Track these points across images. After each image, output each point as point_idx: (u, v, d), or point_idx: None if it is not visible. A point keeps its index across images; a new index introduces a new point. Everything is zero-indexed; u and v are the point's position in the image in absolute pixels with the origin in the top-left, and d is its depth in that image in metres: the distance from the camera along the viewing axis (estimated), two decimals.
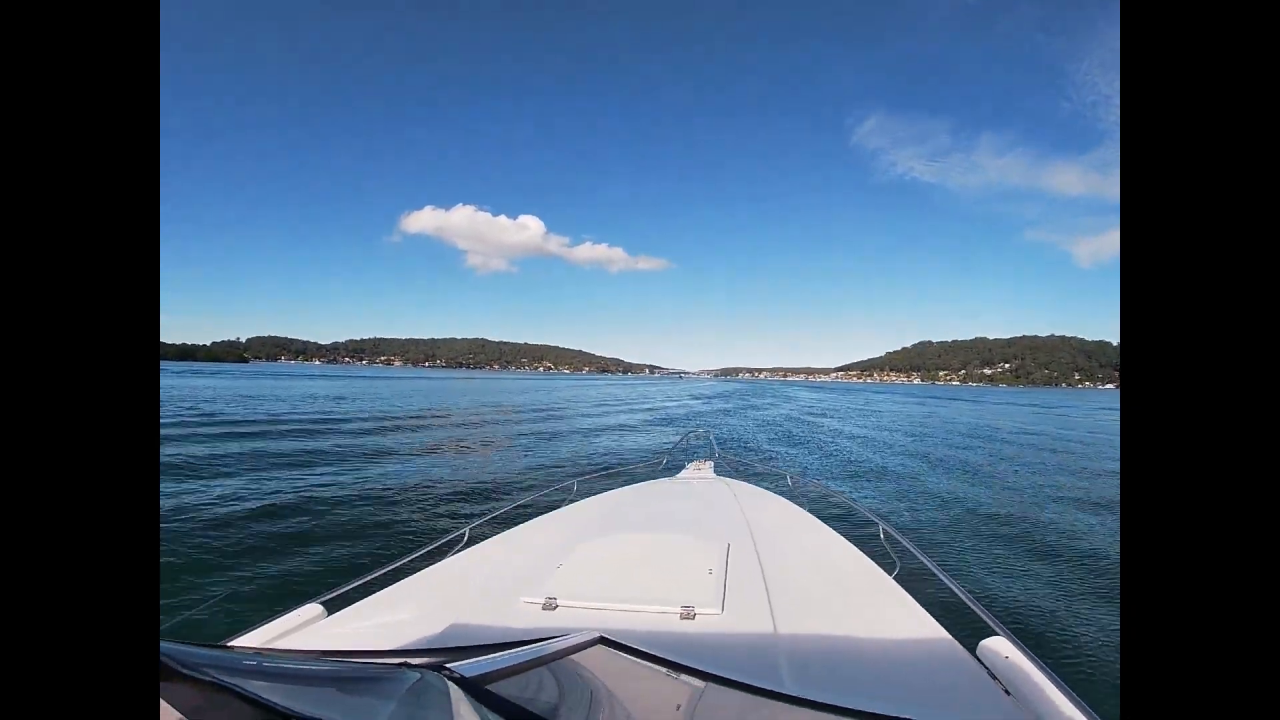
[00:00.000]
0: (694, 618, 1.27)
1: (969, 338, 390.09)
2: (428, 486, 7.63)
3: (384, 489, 7.27)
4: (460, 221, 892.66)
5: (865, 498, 7.46)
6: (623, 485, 3.14)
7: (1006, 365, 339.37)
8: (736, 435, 14.85)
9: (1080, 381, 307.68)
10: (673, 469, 4.05)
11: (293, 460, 9.19)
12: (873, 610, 1.40)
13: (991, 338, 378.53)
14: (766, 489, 2.99)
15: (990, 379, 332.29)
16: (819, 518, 2.32)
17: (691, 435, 5.44)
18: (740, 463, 5.32)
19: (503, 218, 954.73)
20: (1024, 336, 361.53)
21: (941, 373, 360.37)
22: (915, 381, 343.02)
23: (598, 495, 2.82)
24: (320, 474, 8.14)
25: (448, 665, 0.73)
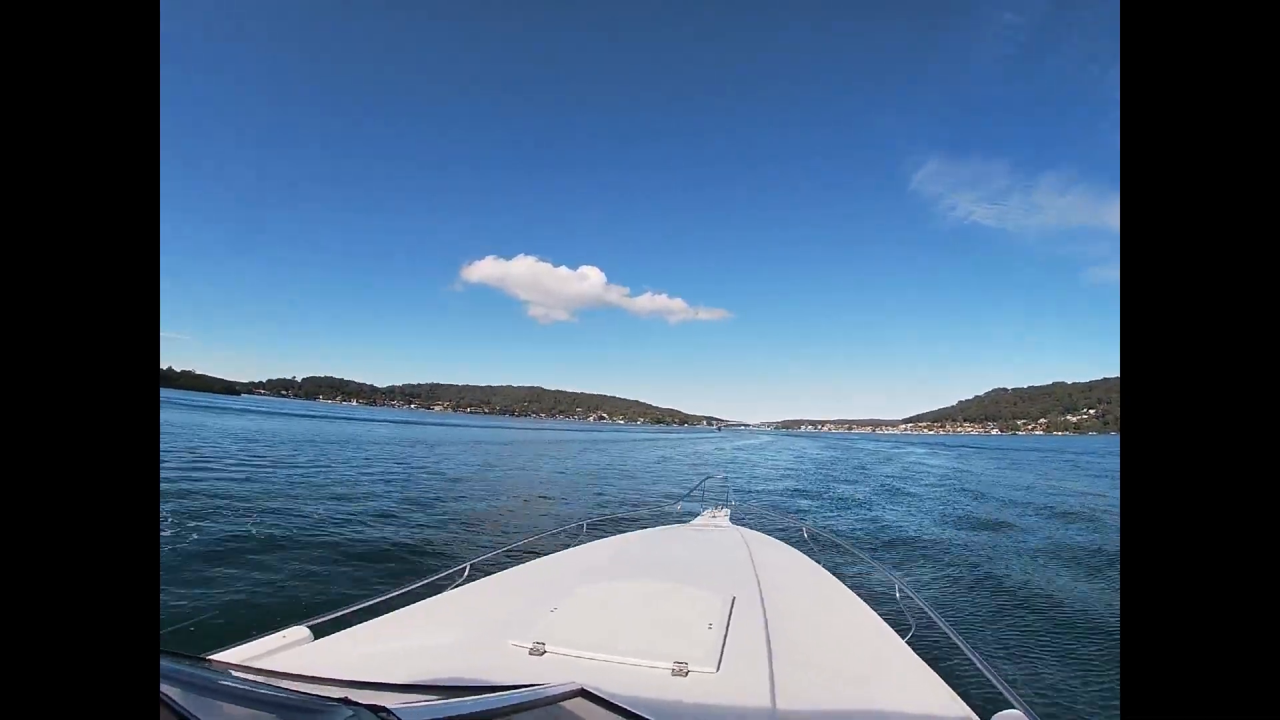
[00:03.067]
0: (687, 675, 1.21)
1: (1046, 383, 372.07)
2: (434, 517, 7.62)
3: (388, 519, 7.27)
4: (521, 272, 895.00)
5: (886, 555, 6.92)
6: (634, 529, 3.12)
7: (1091, 411, 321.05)
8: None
9: None
10: (687, 515, 4.00)
11: (296, 482, 9.47)
12: (882, 676, 1.35)
13: (1070, 382, 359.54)
14: (782, 540, 2.92)
15: (1076, 427, 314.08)
16: (834, 574, 2.25)
17: (708, 481, 5.11)
18: (757, 512, 5.20)
19: (563, 268, 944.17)
20: (1104, 379, 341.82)
21: (1020, 421, 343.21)
22: (993, 433, 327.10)
23: (606, 539, 2.78)
24: (327, 500, 8.23)
25: (389, 708, 0.71)
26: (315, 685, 0.97)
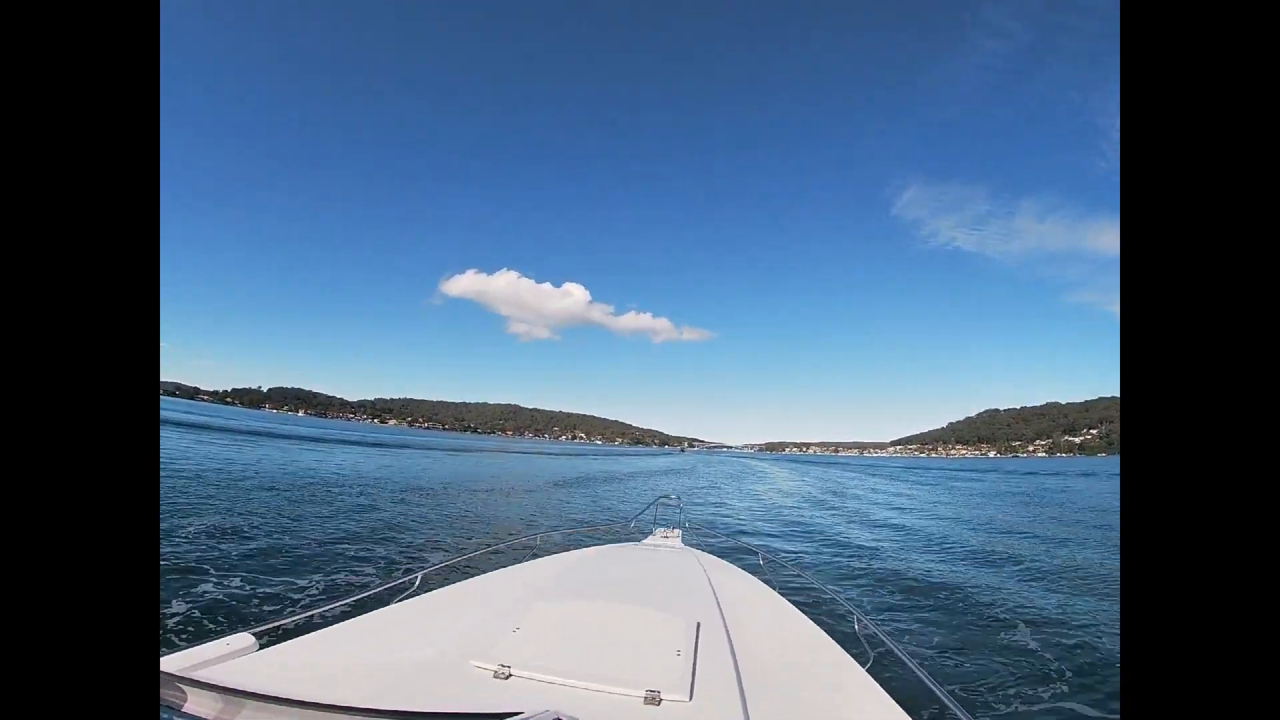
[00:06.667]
0: (659, 703, 1.18)
1: (1039, 403, 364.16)
2: (381, 524, 7.31)
3: (332, 522, 6.94)
4: (502, 287, 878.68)
5: (841, 583, 6.63)
6: (586, 545, 3.06)
7: (1094, 431, 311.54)
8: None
9: None
10: (639, 533, 3.92)
11: (237, 480, 9.17)
12: (848, 706, 1.36)
13: (1064, 402, 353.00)
14: (735, 565, 2.85)
15: (1080, 448, 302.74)
16: (791, 601, 2.21)
17: (661, 501, 4.97)
18: (709, 535, 5.36)
19: (546, 284, 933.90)
20: (1101, 399, 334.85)
21: (1016, 443, 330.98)
22: (990, 455, 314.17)
23: (560, 554, 2.70)
24: (267, 497, 7.83)
25: None
26: (269, 706, 0.97)
